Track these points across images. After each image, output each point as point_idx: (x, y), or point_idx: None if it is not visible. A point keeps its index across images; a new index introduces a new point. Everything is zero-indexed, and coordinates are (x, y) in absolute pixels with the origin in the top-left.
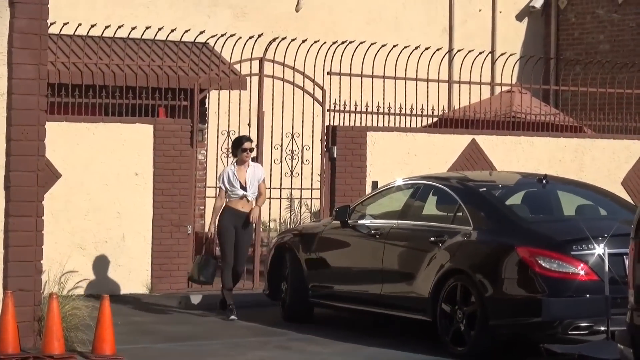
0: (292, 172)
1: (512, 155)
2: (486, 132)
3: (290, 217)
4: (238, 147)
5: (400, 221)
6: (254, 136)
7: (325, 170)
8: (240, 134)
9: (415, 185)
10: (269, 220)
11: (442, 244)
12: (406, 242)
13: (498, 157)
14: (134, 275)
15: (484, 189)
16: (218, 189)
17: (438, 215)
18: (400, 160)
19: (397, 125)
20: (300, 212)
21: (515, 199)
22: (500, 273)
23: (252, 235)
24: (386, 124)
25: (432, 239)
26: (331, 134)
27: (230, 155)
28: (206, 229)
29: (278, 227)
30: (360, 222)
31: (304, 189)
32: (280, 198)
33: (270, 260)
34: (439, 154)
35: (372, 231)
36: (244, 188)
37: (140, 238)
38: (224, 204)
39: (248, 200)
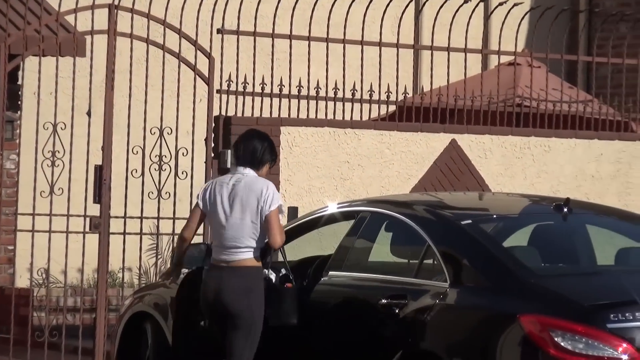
0: (159, 192)
1: (516, 167)
2: (474, 129)
3: (155, 264)
4: None
5: (333, 272)
6: (98, 131)
7: None
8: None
9: (357, 215)
10: (120, 270)
11: (401, 310)
12: (341, 308)
13: (493, 169)
14: None
15: (469, 221)
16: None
17: (394, 263)
18: (335, 174)
19: (331, 117)
20: (172, 257)
21: (520, 238)
22: (494, 358)
23: None
24: (312, 115)
25: (383, 301)
26: (223, 130)
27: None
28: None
29: (135, 281)
30: (265, 272)
31: (179, 218)
32: (141, 233)
33: (120, 336)
34: (398, 165)
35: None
36: None
37: None
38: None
39: None
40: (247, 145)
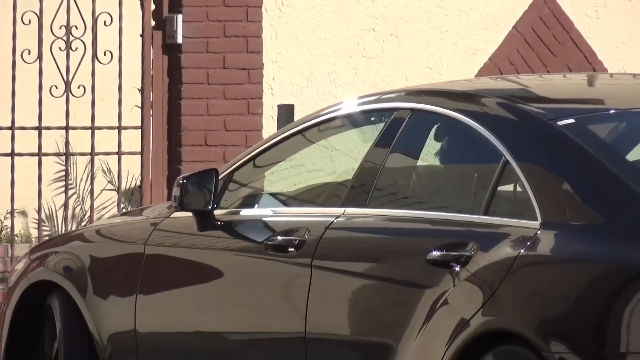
0: (68, 85)
1: None
2: None
3: (65, 205)
4: None
5: (350, 209)
6: None
7: (155, 81)
8: None
9: (390, 115)
10: (9, 214)
11: (463, 268)
12: (367, 264)
13: (610, 36)
14: None
15: (571, 120)
16: None
17: (449, 192)
18: (353, 50)
19: None
20: (92, 193)
21: None
22: (618, 342)
23: None
24: None
25: (434, 253)
26: None
27: None
28: None
29: (32, 232)
30: (245, 212)
31: (100, 128)
32: (40, 154)
33: (11, 319)
34: (456, 32)
35: (279, 237)
36: None
37: None
38: None
39: None
40: None
